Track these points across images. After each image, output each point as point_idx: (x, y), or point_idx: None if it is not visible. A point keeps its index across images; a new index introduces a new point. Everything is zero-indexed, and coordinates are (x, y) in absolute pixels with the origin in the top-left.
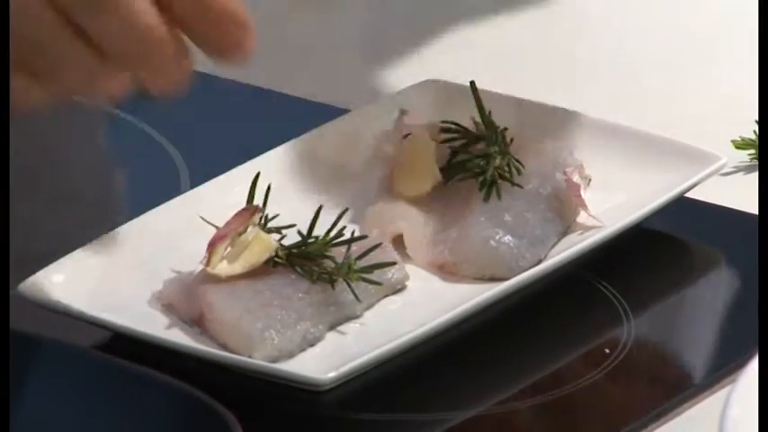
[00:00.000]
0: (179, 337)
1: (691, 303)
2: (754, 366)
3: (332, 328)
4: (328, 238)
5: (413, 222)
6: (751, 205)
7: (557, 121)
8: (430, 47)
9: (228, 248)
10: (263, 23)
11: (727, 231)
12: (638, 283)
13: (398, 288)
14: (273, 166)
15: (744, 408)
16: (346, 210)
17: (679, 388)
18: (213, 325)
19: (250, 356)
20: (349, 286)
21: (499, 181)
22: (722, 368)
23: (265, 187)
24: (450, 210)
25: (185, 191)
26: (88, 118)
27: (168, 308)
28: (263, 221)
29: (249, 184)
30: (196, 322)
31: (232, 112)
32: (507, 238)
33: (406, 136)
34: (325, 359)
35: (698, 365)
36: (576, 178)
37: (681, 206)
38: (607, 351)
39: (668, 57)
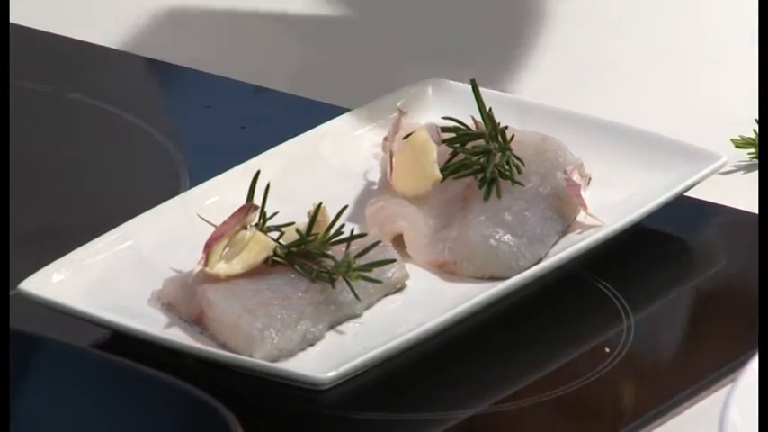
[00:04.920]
0: (179, 337)
1: (691, 303)
2: (753, 366)
3: (332, 327)
4: (327, 237)
5: (413, 221)
6: (751, 204)
7: (557, 121)
8: (430, 47)
9: (227, 248)
10: (264, 24)
11: (726, 231)
12: (637, 283)
13: (398, 287)
14: (273, 166)
15: (743, 408)
16: (345, 207)
17: (679, 388)
18: (213, 324)
19: (250, 356)
20: (349, 285)
21: (499, 179)
22: (722, 368)
23: (264, 186)
24: (449, 209)
25: (185, 191)
26: None
27: (168, 307)
28: (261, 220)
29: (249, 184)
30: (196, 321)
31: (232, 112)
32: (507, 237)
33: (406, 136)
34: (325, 358)
35: (698, 365)
36: (576, 177)
37: (681, 205)
38: (607, 350)
39: (669, 56)
